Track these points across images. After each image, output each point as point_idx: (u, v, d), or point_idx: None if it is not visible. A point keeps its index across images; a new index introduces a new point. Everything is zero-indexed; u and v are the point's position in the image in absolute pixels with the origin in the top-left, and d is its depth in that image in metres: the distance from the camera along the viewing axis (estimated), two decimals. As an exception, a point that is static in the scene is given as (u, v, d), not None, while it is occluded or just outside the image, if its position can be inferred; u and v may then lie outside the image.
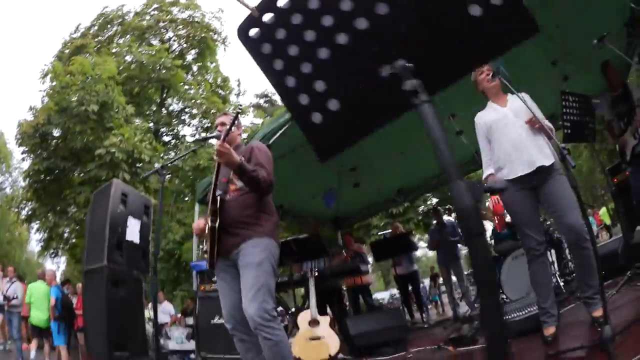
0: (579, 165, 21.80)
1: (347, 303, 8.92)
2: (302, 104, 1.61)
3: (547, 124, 3.50)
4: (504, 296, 5.43)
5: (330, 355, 4.82)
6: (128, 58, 17.01)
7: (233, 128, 3.30)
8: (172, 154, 17.81)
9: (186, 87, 18.60)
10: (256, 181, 3.15)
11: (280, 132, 5.70)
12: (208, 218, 3.29)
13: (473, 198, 1.44)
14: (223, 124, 3.63)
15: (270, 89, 21.31)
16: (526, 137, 3.58)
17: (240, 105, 19.33)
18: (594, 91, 6.08)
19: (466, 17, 1.34)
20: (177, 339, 9.89)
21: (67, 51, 18.29)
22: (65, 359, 8.62)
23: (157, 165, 5.30)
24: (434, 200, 20.13)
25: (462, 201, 1.30)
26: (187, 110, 18.97)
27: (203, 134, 18.07)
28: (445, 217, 9.49)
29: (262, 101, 24.95)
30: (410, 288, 9.18)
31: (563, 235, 4.80)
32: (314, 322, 5.05)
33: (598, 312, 3.30)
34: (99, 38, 19.33)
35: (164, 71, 16.52)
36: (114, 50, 17.92)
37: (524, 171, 3.54)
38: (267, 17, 1.55)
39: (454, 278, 8.84)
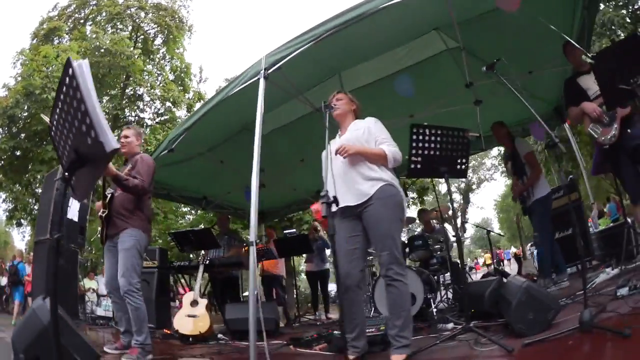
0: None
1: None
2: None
3: (383, 149, 3.32)
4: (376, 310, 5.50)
5: (200, 332, 5.41)
6: (97, 43, 16.79)
7: (133, 139, 4.50)
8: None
9: (146, 75, 18.41)
10: (127, 188, 4.07)
11: (186, 133, 5.72)
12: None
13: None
14: (126, 136, 4.52)
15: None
16: (345, 169, 3.33)
17: (200, 92, 19.55)
18: (507, 117, 6.27)
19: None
20: (105, 307, 11.79)
21: (42, 32, 18.18)
22: (16, 311, 11.27)
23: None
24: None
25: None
26: (144, 96, 18.79)
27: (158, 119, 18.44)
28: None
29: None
30: (319, 286, 9.16)
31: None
32: (194, 303, 5.64)
33: (397, 357, 2.98)
34: (75, 16, 19.19)
35: (125, 59, 16.38)
36: (87, 32, 17.93)
37: (347, 202, 3.21)
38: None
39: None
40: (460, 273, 6.49)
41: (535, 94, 6.18)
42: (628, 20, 15.39)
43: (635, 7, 15.38)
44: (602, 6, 15.36)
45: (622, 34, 15.10)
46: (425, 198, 19.29)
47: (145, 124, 18.21)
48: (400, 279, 3.10)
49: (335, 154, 3.27)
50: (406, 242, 6.70)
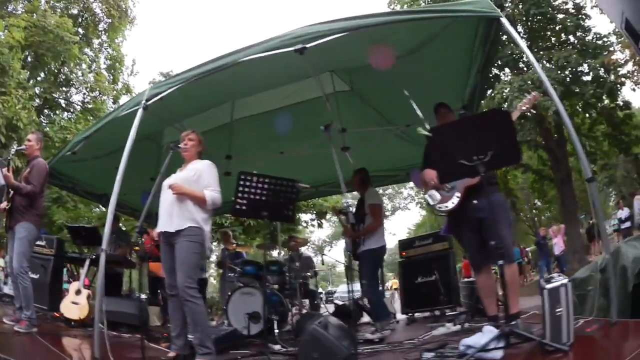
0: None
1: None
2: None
3: (205, 193, 3.96)
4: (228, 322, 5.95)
5: (80, 318, 5.82)
6: (43, 23, 16.49)
7: (34, 143, 5.25)
8: (60, 120, 17.73)
9: (80, 62, 18.20)
10: (19, 192, 4.90)
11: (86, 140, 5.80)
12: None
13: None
14: (29, 140, 5.31)
15: (173, 69, 21.19)
16: (171, 201, 3.97)
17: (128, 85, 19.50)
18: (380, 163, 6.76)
19: None
20: (10, 286, 10.88)
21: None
22: None
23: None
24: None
25: None
26: (75, 82, 18.55)
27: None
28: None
29: (163, 79, 24.77)
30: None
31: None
32: (78, 292, 5.99)
33: None
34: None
35: (63, 44, 16.15)
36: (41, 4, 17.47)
37: (163, 228, 3.98)
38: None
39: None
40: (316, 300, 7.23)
41: (419, 141, 6.15)
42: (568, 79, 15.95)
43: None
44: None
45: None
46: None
47: (73, 110, 18.15)
48: (192, 300, 3.79)
49: (168, 187, 4.01)
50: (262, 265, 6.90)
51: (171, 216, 3.95)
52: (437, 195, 3.96)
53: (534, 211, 32.65)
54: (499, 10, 3.97)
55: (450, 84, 5.39)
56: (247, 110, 6.45)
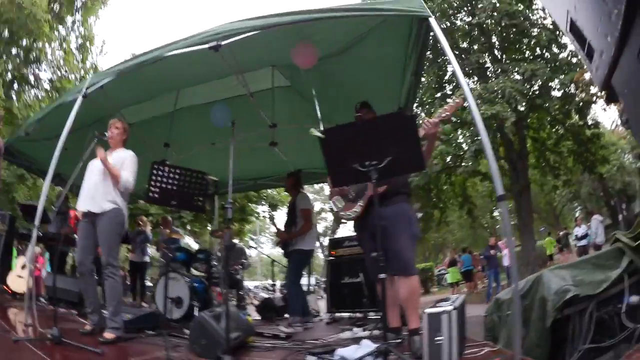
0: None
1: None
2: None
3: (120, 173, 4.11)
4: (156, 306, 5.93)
5: (24, 292, 5.65)
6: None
7: None
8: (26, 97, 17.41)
9: (50, 41, 17.75)
10: None
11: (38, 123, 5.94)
12: None
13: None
14: None
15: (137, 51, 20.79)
16: (95, 184, 4.13)
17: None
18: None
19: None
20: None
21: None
22: None
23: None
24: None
25: None
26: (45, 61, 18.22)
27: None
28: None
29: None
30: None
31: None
32: (24, 266, 6.18)
33: (108, 335, 3.76)
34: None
35: (35, 22, 15.83)
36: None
37: (88, 208, 4.10)
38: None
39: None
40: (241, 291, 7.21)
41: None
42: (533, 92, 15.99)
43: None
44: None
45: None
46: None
47: (41, 87, 17.81)
48: (113, 276, 4.00)
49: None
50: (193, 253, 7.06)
51: (95, 198, 4.10)
52: (342, 202, 3.86)
53: (491, 219, 32.70)
54: (428, 10, 3.78)
55: (387, 85, 5.29)
56: (189, 100, 6.28)
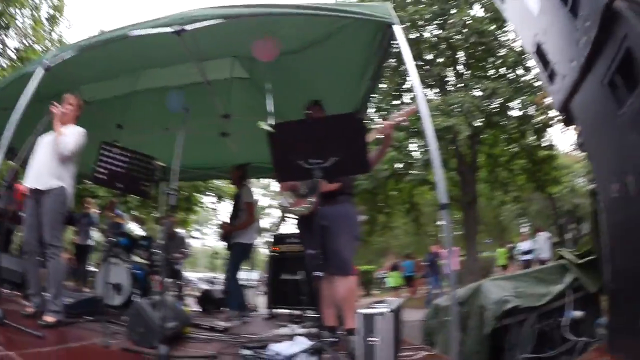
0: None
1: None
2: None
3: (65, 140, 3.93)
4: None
5: None
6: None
7: None
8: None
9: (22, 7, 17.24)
10: None
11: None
12: None
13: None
14: None
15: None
16: (44, 160, 4.01)
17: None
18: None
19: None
20: None
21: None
22: None
23: None
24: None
25: None
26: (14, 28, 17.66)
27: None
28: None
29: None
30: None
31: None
32: None
33: (48, 318, 3.61)
34: None
35: None
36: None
37: (34, 185, 3.97)
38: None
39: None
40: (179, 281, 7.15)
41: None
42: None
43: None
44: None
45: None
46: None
47: (6, 55, 17.19)
48: (55, 257, 3.86)
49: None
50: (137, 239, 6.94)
51: (41, 174, 3.98)
52: (293, 197, 3.88)
53: (436, 228, 33.34)
54: (396, 18, 3.80)
55: (343, 87, 5.28)
56: (147, 83, 6.13)
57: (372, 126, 3.60)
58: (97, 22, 72.04)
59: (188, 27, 3.96)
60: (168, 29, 3.99)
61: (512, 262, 18.49)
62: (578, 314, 3.84)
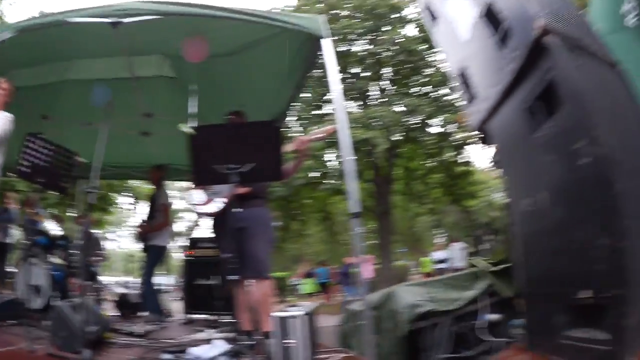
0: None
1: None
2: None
3: None
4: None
5: None
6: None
7: None
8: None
9: None
10: None
11: None
12: None
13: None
14: None
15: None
16: None
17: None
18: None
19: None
20: None
21: None
22: None
23: None
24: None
25: None
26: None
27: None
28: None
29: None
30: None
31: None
32: None
33: None
34: None
35: None
36: None
37: None
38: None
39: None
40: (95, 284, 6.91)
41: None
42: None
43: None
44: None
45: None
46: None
47: None
48: None
49: None
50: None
51: None
52: (203, 196, 3.90)
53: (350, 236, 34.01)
54: (328, 31, 3.91)
55: (266, 94, 5.35)
56: (76, 74, 5.83)
57: (292, 138, 3.67)
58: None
59: (125, 20, 3.84)
60: (105, 20, 3.85)
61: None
62: (495, 316, 4.04)
